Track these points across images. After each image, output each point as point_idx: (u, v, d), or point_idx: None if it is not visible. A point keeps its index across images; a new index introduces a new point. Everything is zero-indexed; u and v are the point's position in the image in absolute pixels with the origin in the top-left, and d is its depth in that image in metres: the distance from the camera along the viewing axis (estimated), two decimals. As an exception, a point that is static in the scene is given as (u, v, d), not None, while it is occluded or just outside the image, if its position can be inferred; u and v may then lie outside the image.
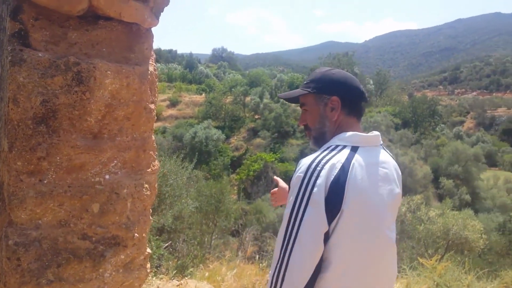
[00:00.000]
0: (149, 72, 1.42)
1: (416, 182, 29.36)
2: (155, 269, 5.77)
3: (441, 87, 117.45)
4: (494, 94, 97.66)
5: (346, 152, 1.41)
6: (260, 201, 23.76)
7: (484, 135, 58.83)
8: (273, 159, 32.27)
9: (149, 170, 1.44)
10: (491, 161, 47.69)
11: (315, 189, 1.33)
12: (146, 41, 1.42)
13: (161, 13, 1.45)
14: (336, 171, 1.35)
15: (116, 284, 1.39)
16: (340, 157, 1.39)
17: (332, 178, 1.34)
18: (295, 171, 1.42)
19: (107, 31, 1.33)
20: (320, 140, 1.58)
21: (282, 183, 1.99)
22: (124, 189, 1.35)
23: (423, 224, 13.80)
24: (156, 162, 1.48)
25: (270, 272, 1.37)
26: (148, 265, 1.48)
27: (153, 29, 1.46)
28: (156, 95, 1.48)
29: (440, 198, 30.15)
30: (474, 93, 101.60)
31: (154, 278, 4.68)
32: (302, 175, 1.37)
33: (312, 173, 1.36)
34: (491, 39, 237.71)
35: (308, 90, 1.61)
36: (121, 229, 1.36)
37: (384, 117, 38.61)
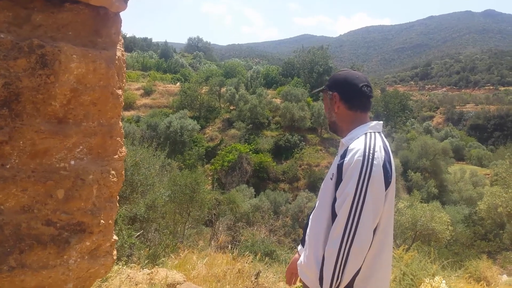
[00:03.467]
0: (117, 57, 1.40)
1: (387, 174, 29.85)
2: (126, 258, 5.72)
3: (412, 82, 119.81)
4: (463, 90, 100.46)
5: (378, 137, 1.82)
6: (234, 191, 23.79)
7: (452, 130, 60.63)
8: (248, 150, 32.33)
9: (116, 156, 1.43)
10: (459, 155, 49.23)
11: (374, 168, 1.68)
12: (114, 25, 1.40)
13: (130, -2, 1.43)
14: (384, 153, 1.74)
15: (81, 271, 1.38)
16: (379, 142, 1.78)
17: (383, 159, 1.72)
18: (344, 156, 1.75)
19: (73, 14, 1.30)
20: (332, 126, 2.00)
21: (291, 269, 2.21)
22: (90, 175, 1.34)
23: (392, 216, 14.14)
24: (124, 149, 1.46)
25: (334, 239, 1.67)
26: (115, 252, 1.47)
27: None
28: (124, 80, 1.46)
29: (409, 190, 30.93)
30: (444, 89, 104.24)
31: (125, 267, 4.64)
32: (361, 158, 1.69)
33: (368, 156, 1.70)
34: (461, 37, 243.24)
35: (322, 87, 2.02)
36: (86, 215, 1.34)
37: (358, 110, 39.06)
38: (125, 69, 1.48)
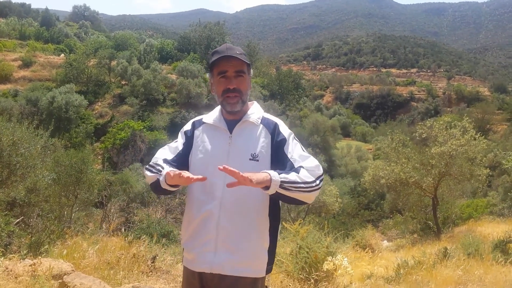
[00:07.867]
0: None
1: (281, 151, 31.18)
2: (3, 248, 5.14)
3: (305, 62, 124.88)
4: (350, 71, 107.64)
5: None
6: (127, 170, 22.85)
7: (340, 109, 65.05)
8: (142, 127, 31.25)
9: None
10: (346, 132, 53.23)
11: None
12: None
13: None
14: None
15: None
16: None
17: None
18: (279, 129, 1.94)
19: None
20: (244, 104, 1.93)
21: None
22: None
23: (285, 190, 14.76)
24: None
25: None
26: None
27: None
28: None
29: (302, 166, 32.57)
30: (333, 70, 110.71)
31: (2, 259, 4.15)
32: (288, 129, 1.99)
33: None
34: (349, 20, 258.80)
35: (249, 62, 1.90)
36: None
37: (253, 89, 39.82)
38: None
